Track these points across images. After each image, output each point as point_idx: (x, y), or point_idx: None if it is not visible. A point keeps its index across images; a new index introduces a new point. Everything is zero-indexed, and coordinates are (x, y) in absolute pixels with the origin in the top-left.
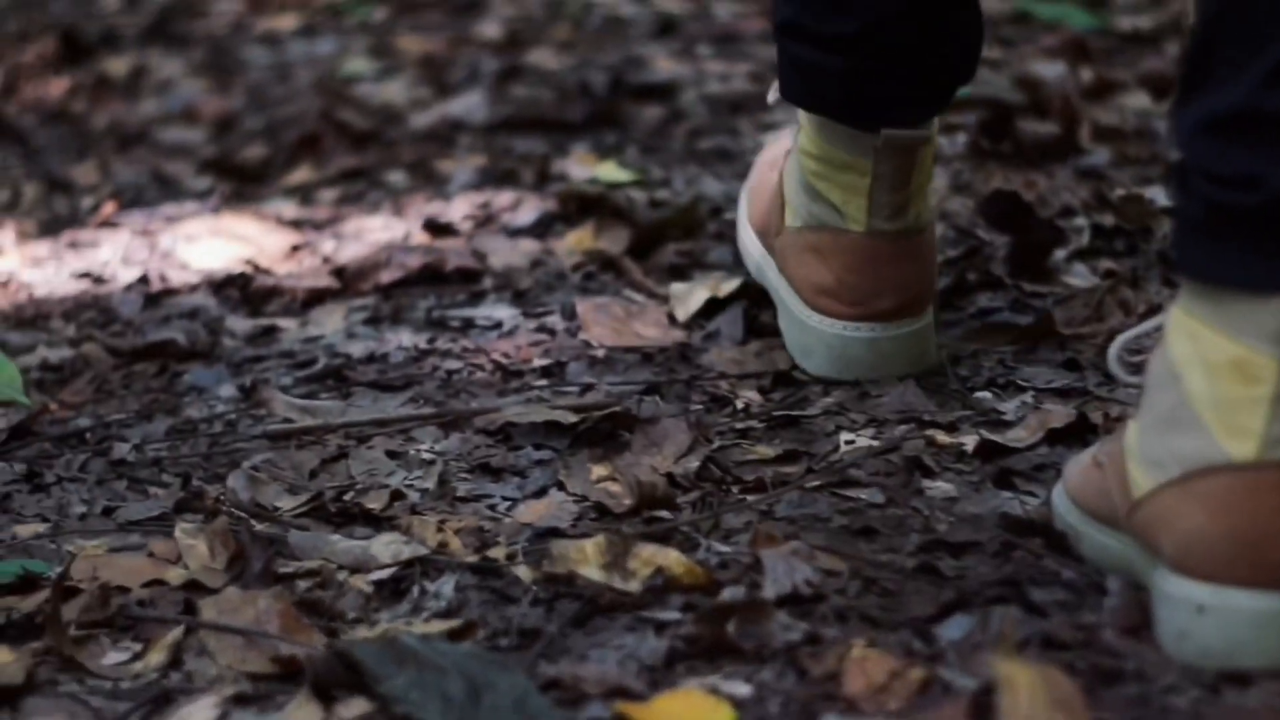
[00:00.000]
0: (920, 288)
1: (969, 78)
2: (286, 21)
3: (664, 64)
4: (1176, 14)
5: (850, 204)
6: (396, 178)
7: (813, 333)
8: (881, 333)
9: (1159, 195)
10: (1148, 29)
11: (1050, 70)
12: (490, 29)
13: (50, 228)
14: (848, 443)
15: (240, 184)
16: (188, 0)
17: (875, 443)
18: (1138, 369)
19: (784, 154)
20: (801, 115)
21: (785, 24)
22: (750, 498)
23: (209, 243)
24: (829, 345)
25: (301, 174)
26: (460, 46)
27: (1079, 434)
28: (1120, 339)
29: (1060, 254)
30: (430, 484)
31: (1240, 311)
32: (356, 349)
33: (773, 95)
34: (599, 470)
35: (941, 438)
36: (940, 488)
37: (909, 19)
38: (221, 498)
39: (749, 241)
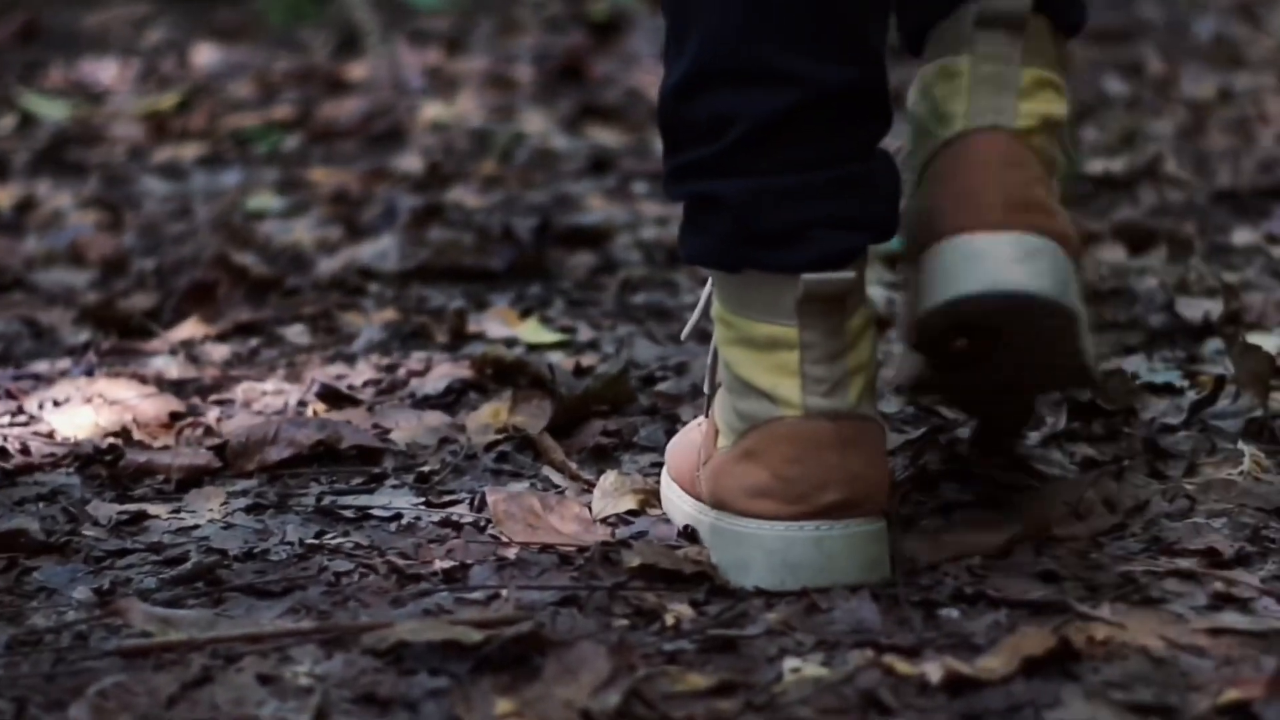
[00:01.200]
0: (871, 483)
1: (887, 216)
2: (189, 150)
3: (596, 204)
4: (1151, 157)
5: (781, 385)
6: (296, 333)
7: (749, 541)
8: (828, 532)
9: (1142, 368)
10: (1121, 173)
11: None
12: (410, 161)
13: None
14: (793, 670)
15: (122, 337)
16: (84, 125)
17: (825, 671)
18: None
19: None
20: (716, 302)
21: (674, 171)
22: None
23: (79, 409)
24: (768, 551)
25: (190, 327)
26: (376, 181)
27: (1059, 662)
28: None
29: (1034, 437)
30: (305, 718)
31: None
32: (233, 543)
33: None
34: (504, 704)
35: (901, 666)
36: None
37: (799, 118)
38: None
39: (673, 496)
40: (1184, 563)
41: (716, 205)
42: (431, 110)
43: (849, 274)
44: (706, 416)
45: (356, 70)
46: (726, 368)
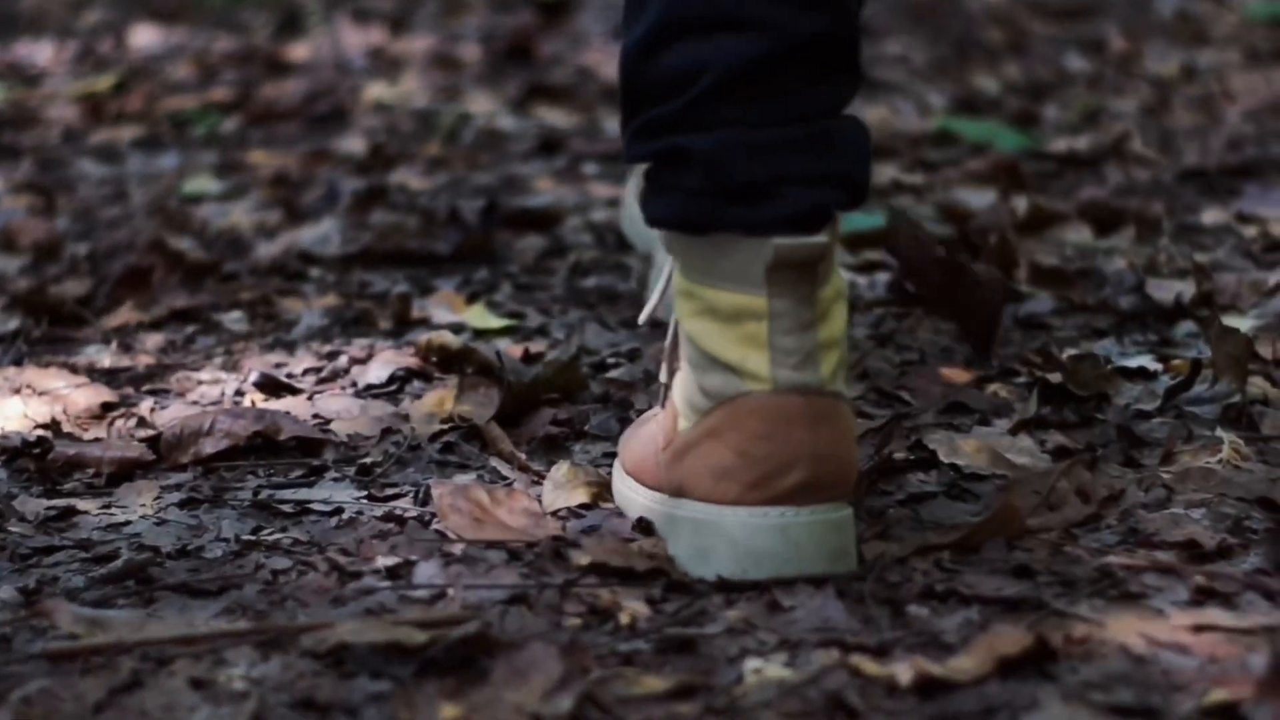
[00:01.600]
0: (839, 464)
1: (859, 178)
2: (125, 132)
3: (545, 186)
4: (1116, 135)
5: (750, 358)
6: (233, 320)
7: (709, 529)
8: (794, 518)
9: (1113, 351)
10: (1084, 151)
11: (979, 199)
12: (352, 143)
13: None
14: (755, 672)
15: (53, 325)
16: (19, 107)
17: (788, 672)
18: None
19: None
20: (678, 275)
21: (639, 129)
22: None
23: (7, 399)
24: (731, 539)
25: (124, 314)
26: (317, 163)
27: (1035, 662)
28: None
29: (1002, 425)
30: None
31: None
32: (166, 540)
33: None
34: (449, 709)
35: (869, 666)
36: None
37: (769, 68)
38: None
39: (626, 489)
40: (1163, 555)
41: (684, 159)
42: (374, 91)
43: (821, 239)
44: (663, 408)
45: (297, 50)
46: (690, 342)
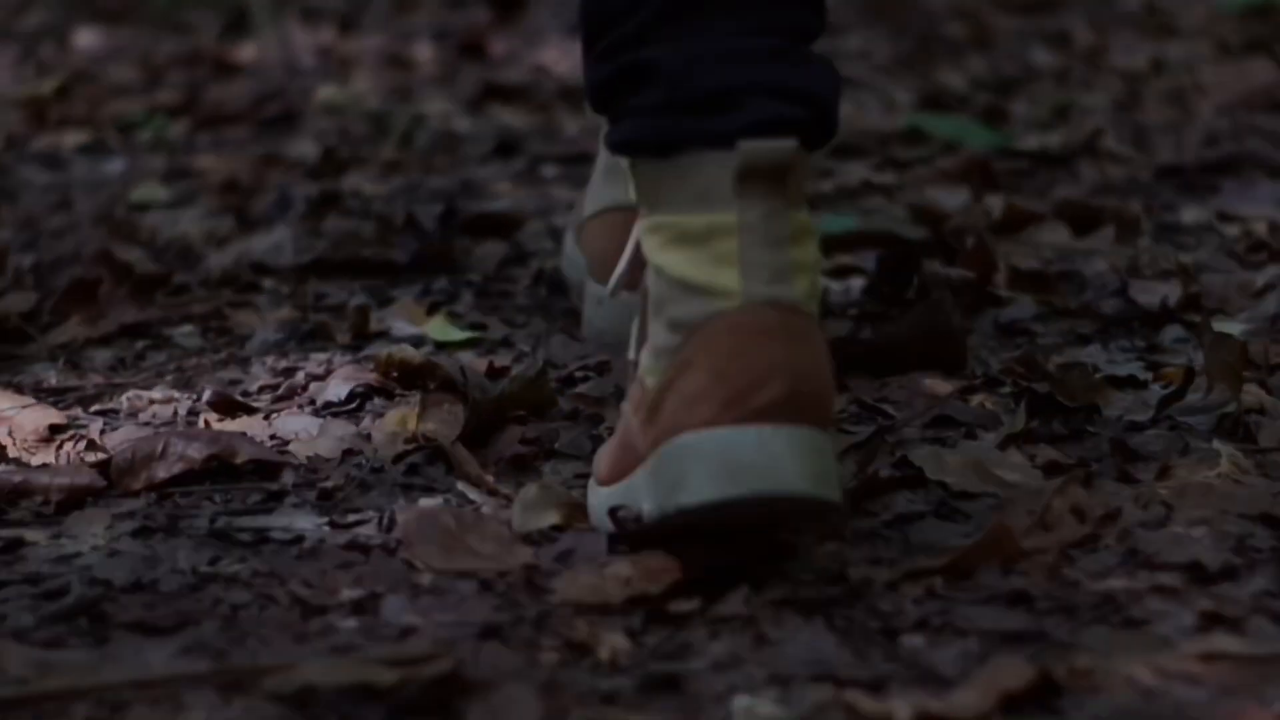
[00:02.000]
0: (816, 383)
1: (827, 101)
2: (70, 138)
3: (504, 189)
4: (1089, 132)
5: (722, 274)
6: (185, 334)
7: (683, 456)
8: (772, 435)
9: (1100, 359)
10: (1056, 148)
11: (952, 199)
12: (304, 147)
13: None
14: (744, 710)
15: None
16: None
17: (780, 710)
18: None
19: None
20: (644, 218)
21: (600, 53)
22: None
23: None
24: (705, 458)
25: (71, 329)
26: (269, 168)
27: (1040, 697)
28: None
29: (990, 439)
30: None
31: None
32: (120, 573)
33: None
34: None
35: (865, 703)
36: None
37: None
38: None
39: (600, 501)
40: (1166, 578)
41: (647, 75)
42: (325, 92)
43: (789, 142)
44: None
45: (245, 52)
46: (658, 278)
